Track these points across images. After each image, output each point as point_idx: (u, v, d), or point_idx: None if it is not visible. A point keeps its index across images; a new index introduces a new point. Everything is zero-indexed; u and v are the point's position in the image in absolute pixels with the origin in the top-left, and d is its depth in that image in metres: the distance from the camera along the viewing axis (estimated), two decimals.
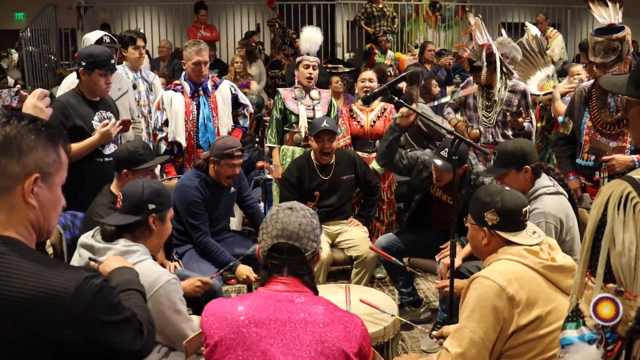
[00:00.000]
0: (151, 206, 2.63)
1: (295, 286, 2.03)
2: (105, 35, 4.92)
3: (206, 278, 3.38)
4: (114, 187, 3.50)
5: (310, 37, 5.00)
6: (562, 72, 6.33)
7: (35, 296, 1.42)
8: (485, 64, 4.71)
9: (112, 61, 3.98)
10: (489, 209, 2.55)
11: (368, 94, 3.55)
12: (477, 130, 4.92)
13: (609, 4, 3.93)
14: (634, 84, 1.70)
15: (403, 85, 6.33)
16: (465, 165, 3.98)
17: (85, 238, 2.65)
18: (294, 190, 4.45)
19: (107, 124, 3.88)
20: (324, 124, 4.36)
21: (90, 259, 2.50)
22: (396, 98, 3.36)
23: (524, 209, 2.58)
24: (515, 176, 3.43)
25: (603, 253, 1.59)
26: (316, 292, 2.10)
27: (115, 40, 5.07)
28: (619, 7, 3.93)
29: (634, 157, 3.79)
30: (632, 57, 4.03)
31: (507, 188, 2.69)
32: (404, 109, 3.95)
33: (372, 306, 3.22)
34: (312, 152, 4.55)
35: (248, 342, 1.92)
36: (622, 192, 1.57)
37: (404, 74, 3.66)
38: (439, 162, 3.84)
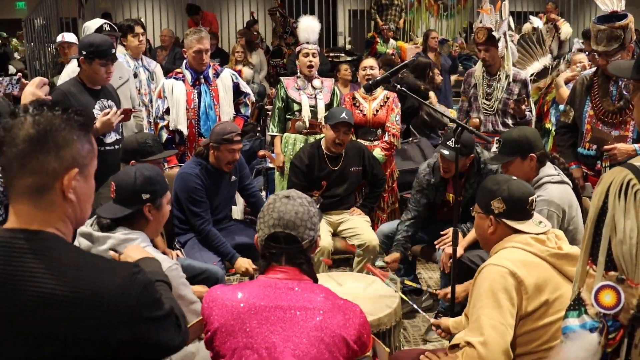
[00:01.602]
0: (145, 196, 2.60)
1: (294, 274, 2.03)
2: (106, 23, 4.90)
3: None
4: None
5: (308, 26, 5.00)
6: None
7: (80, 294, 1.39)
8: (502, 37, 4.72)
9: (113, 50, 3.96)
10: (496, 197, 2.55)
11: (370, 82, 3.53)
12: (477, 119, 4.91)
13: None
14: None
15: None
16: (473, 155, 3.97)
17: (85, 227, 2.64)
18: (302, 178, 4.44)
19: (108, 113, 3.86)
20: (343, 115, 4.31)
21: (111, 249, 2.48)
22: (398, 86, 3.34)
23: (530, 198, 2.57)
24: (520, 164, 3.42)
25: (604, 241, 1.58)
26: (315, 280, 2.11)
27: (116, 28, 5.05)
28: None
29: (636, 145, 3.77)
30: (634, 45, 4.00)
31: (514, 177, 2.68)
32: (388, 259, 4.11)
33: (377, 276, 3.23)
34: (322, 141, 4.52)
35: (248, 329, 1.92)
36: (623, 180, 1.56)
37: (406, 61, 3.63)
38: (445, 151, 3.84)
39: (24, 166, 1.44)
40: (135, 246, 2.34)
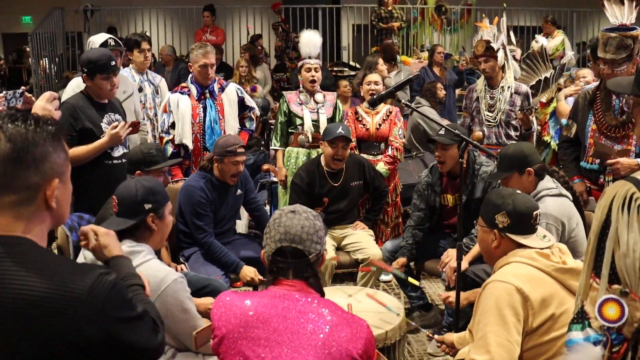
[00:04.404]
0: (147, 206, 2.62)
1: (301, 288, 2.05)
2: (110, 38, 4.94)
3: None
4: None
5: (309, 40, 5.04)
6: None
7: (51, 295, 1.42)
8: (501, 48, 4.76)
9: (113, 62, 3.95)
10: (500, 211, 2.56)
11: (374, 97, 3.56)
12: (480, 132, 4.93)
13: (626, 2, 3.88)
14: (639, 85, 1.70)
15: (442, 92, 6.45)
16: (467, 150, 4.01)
17: None
18: (303, 196, 4.44)
19: (117, 126, 3.89)
20: (340, 130, 4.33)
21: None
22: (403, 100, 3.37)
23: (535, 212, 2.58)
24: (519, 179, 3.43)
25: (608, 254, 1.60)
26: (322, 294, 2.12)
27: (120, 43, 5.09)
28: (636, 5, 3.88)
29: (639, 160, 3.78)
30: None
31: (519, 191, 2.69)
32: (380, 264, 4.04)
33: (379, 302, 3.23)
34: (321, 158, 4.54)
35: (255, 338, 1.93)
36: (627, 193, 1.58)
37: (410, 76, 3.67)
38: (437, 136, 3.91)
39: (7, 185, 1.49)
40: (109, 233, 2.29)
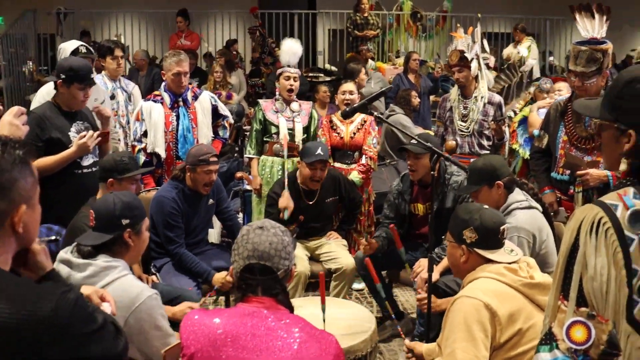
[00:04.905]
0: (125, 221, 2.60)
1: (270, 305, 2.04)
2: (82, 45, 4.89)
3: (195, 304, 3.35)
4: (99, 198, 3.48)
5: (290, 49, 5.01)
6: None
7: (14, 319, 1.40)
8: (475, 59, 4.80)
9: (92, 75, 3.95)
10: (468, 226, 2.58)
11: (347, 109, 3.56)
12: (453, 142, 4.96)
13: (596, 16, 3.94)
14: (607, 108, 1.72)
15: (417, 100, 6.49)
16: (439, 160, 4.03)
17: (64, 253, 2.63)
18: (279, 211, 4.41)
19: (85, 136, 3.84)
20: (319, 151, 4.28)
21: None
22: (375, 113, 3.38)
23: (502, 227, 2.60)
24: (488, 192, 3.45)
25: (576, 277, 1.61)
26: (291, 310, 2.12)
27: (92, 50, 5.04)
28: (606, 20, 3.95)
29: (608, 171, 3.83)
30: (609, 72, 4.07)
31: (486, 206, 2.71)
32: (364, 242, 4.11)
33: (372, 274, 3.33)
34: (298, 174, 4.50)
35: (224, 357, 1.92)
36: (594, 217, 1.59)
37: (383, 89, 3.68)
38: (409, 145, 3.94)
39: None
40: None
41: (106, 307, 2.13)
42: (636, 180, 1.65)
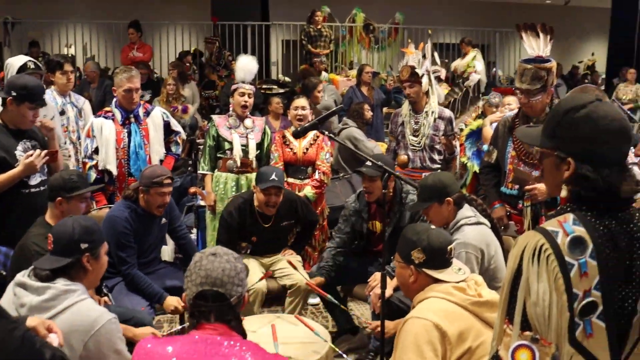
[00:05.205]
0: (83, 245, 2.60)
1: (223, 331, 2.05)
2: (30, 60, 4.80)
3: (158, 332, 3.34)
4: (48, 217, 3.45)
5: (245, 66, 5.03)
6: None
7: None
8: (425, 74, 4.87)
9: (44, 96, 3.89)
10: (416, 247, 2.62)
11: (298, 129, 3.59)
12: (405, 156, 5.01)
13: (541, 35, 4.06)
14: (547, 136, 1.78)
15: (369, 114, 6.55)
16: (393, 180, 4.07)
17: (21, 277, 2.59)
18: (232, 232, 4.39)
19: (32, 155, 3.76)
20: (273, 177, 4.23)
21: None
22: (326, 132, 3.42)
23: (449, 247, 2.65)
24: (438, 209, 3.51)
25: (519, 302, 1.65)
26: (244, 336, 2.12)
27: (41, 66, 4.95)
28: (550, 39, 4.07)
29: None
30: (554, 89, 4.19)
31: (433, 226, 2.76)
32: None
33: (307, 326, 3.24)
34: (254, 198, 4.44)
35: None
36: (536, 244, 1.64)
37: (335, 108, 3.72)
38: (364, 168, 3.97)
39: None
40: None
41: (53, 339, 2.11)
42: (576, 207, 1.71)
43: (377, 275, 3.90)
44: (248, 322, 3.15)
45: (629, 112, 9.78)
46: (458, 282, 2.57)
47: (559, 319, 1.61)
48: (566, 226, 1.65)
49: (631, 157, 4.68)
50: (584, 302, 1.61)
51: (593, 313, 1.62)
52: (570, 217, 1.67)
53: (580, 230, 1.64)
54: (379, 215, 4.29)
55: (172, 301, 3.86)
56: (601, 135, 1.68)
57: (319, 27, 10.55)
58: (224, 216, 4.47)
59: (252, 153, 4.91)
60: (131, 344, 2.66)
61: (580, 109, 1.70)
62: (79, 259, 2.59)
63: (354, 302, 5.22)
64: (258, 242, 4.48)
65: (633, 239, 1.69)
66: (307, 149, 5.08)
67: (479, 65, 9.38)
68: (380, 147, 6.54)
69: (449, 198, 3.49)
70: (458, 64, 10.21)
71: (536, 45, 4.07)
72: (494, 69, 12.30)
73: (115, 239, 3.86)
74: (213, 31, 11.08)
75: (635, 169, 2.20)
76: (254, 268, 4.30)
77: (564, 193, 1.74)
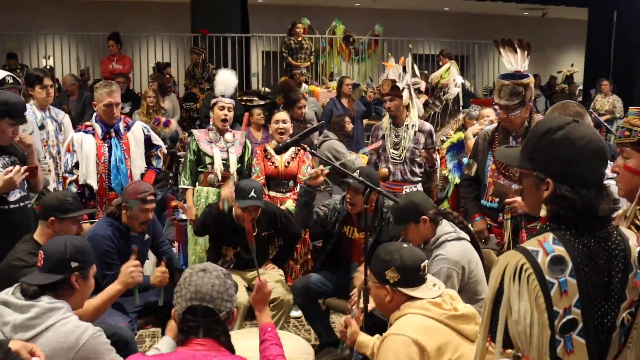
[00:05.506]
0: (74, 264, 2.62)
1: (212, 347, 2.07)
2: (9, 75, 4.76)
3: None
4: (37, 236, 3.43)
5: (226, 79, 5.03)
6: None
7: None
8: (406, 88, 4.91)
9: (25, 113, 3.87)
10: (389, 267, 2.65)
11: (280, 145, 3.61)
12: (386, 169, 5.04)
13: (518, 51, 4.12)
14: (526, 157, 1.81)
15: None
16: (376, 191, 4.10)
17: (5, 295, 2.59)
18: (214, 227, 4.45)
19: (11, 171, 3.73)
20: (252, 194, 4.23)
21: None
22: (308, 148, 3.43)
23: (422, 264, 2.69)
24: (416, 229, 3.54)
25: (501, 320, 1.68)
26: (233, 352, 2.14)
27: (19, 80, 4.91)
28: (527, 54, 4.12)
29: None
30: (532, 104, 4.24)
31: (405, 245, 2.81)
32: (311, 171, 4.09)
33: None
34: (233, 211, 4.44)
35: None
36: (517, 264, 1.67)
37: (316, 125, 3.75)
38: (350, 179, 3.98)
39: None
40: None
41: None
42: (555, 226, 1.74)
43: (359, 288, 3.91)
44: (241, 336, 3.17)
45: (605, 124, 9.92)
46: (434, 298, 2.60)
47: (540, 337, 1.64)
48: (546, 245, 1.68)
49: (608, 172, 4.75)
50: (564, 319, 1.65)
51: (573, 330, 1.66)
52: (550, 236, 1.71)
53: (560, 250, 1.67)
54: (358, 225, 4.31)
55: (156, 272, 3.87)
56: (578, 156, 1.71)
57: (300, 39, 10.59)
58: (208, 209, 4.53)
59: (233, 167, 4.91)
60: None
61: (557, 130, 1.73)
62: (68, 277, 2.60)
63: (337, 315, 5.22)
64: (240, 255, 4.48)
65: (611, 257, 1.72)
66: (288, 163, 5.09)
67: (459, 78, 9.45)
68: (360, 160, 6.57)
69: (424, 216, 3.52)
70: (433, 75, 10.29)
71: (514, 60, 4.12)
72: (463, 81, 12.38)
73: (98, 258, 3.81)
74: (200, 43, 11.05)
75: (612, 185, 2.24)
76: (237, 282, 4.29)
77: (543, 212, 1.78)
